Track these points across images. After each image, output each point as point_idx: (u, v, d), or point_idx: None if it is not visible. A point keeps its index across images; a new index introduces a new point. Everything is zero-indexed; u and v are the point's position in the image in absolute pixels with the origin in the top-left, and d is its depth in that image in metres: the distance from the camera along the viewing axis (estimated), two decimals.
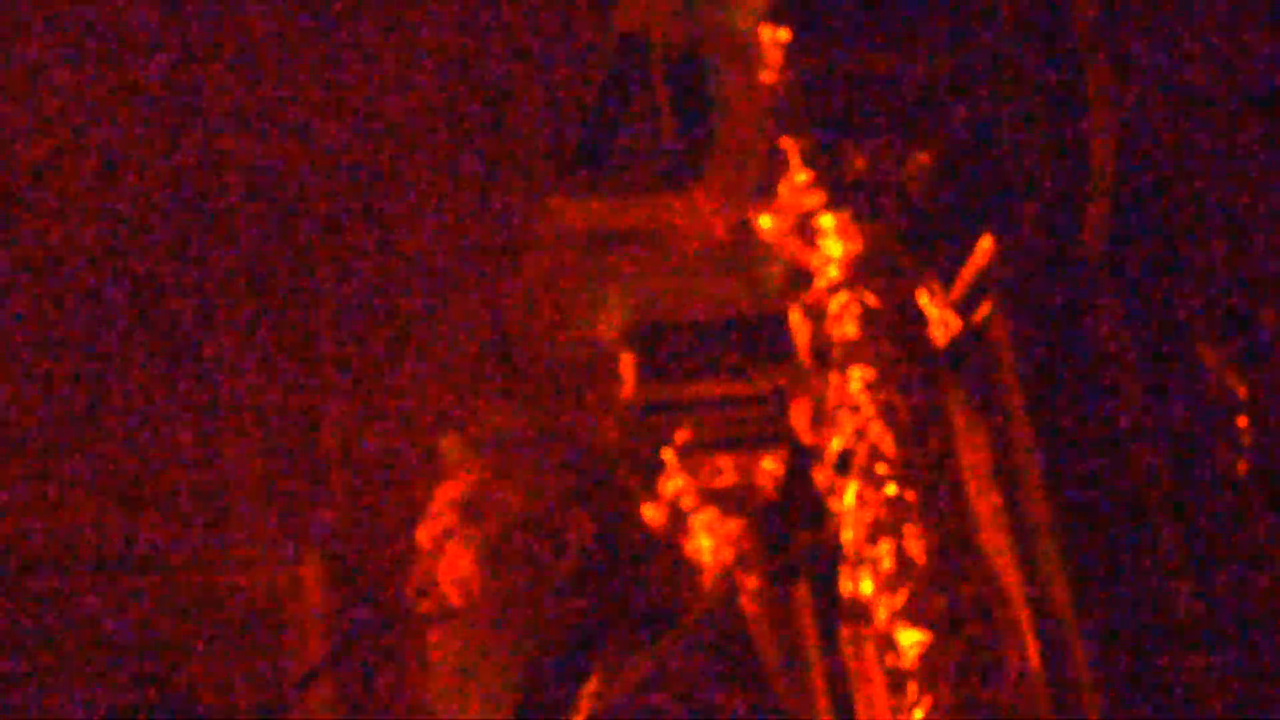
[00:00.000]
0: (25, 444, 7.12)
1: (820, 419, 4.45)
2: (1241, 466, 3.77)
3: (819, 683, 5.07)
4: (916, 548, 4.02)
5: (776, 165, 4.37)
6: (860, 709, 4.83)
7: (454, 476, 2.38)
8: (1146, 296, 4.03)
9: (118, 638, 7.08)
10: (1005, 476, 4.23)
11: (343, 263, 7.38)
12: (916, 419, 4.14)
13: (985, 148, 4.32)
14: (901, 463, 4.09)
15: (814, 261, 4.33)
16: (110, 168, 7.22)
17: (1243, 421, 3.78)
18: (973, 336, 4.29)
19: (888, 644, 4.03)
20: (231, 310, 7.32)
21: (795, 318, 4.47)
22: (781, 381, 4.99)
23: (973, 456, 4.27)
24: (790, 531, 5.25)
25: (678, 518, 5.29)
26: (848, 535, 4.18)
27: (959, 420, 4.29)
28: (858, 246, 4.26)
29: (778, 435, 5.10)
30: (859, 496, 4.14)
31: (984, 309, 4.28)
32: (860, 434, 4.16)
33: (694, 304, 5.17)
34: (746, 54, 4.40)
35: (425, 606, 2.35)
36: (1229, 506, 3.83)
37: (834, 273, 4.28)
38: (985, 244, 4.25)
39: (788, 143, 4.33)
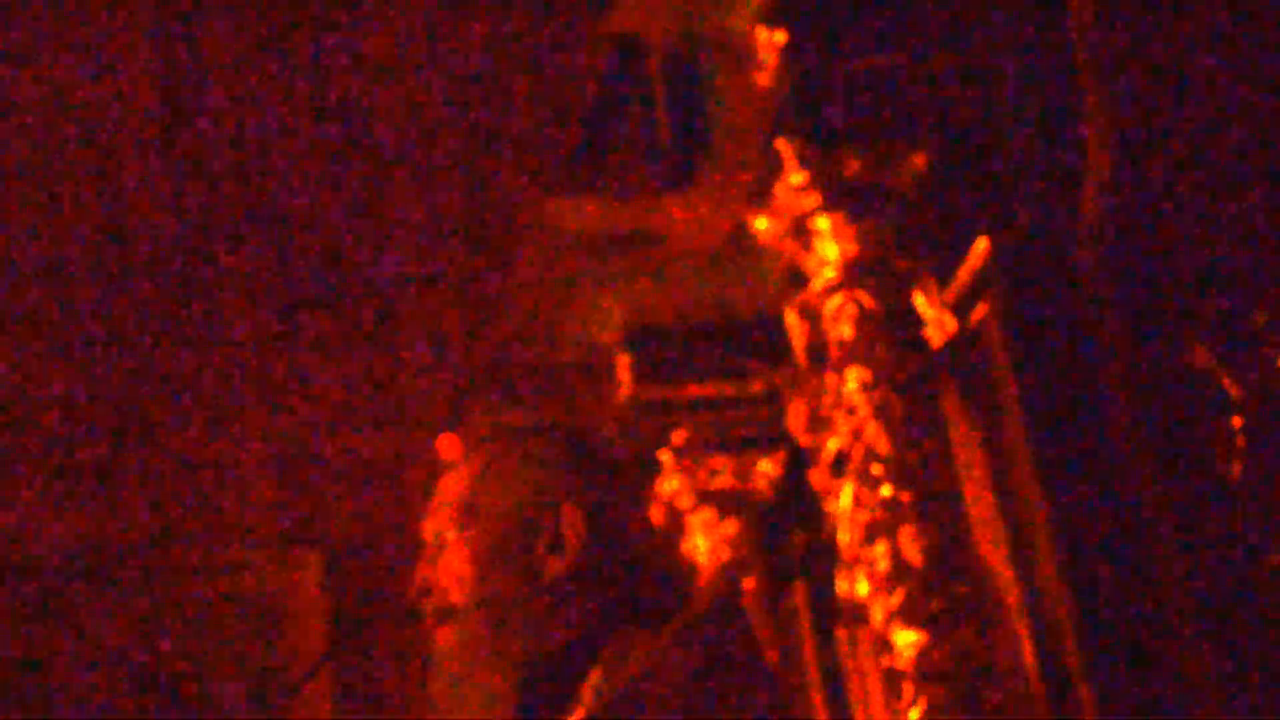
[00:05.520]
0: (25, 444, 7.13)
1: (816, 420, 4.46)
2: (1236, 467, 3.78)
3: (815, 683, 5.07)
4: (912, 549, 4.02)
5: (772, 167, 4.38)
6: (856, 709, 4.84)
7: (451, 475, 2.39)
8: (1141, 297, 4.04)
9: (117, 637, 7.09)
10: (1000, 477, 4.23)
11: (341, 264, 7.39)
12: (912, 420, 4.15)
13: (981, 149, 4.33)
14: (897, 464, 4.10)
15: (810, 263, 4.34)
16: (112, 169, 7.23)
17: (1237, 422, 3.78)
18: (968, 338, 4.30)
19: (884, 644, 4.04)
20: (230, 311, 7.33)
21: (791, 319, 4.48)
22: (778, 382, 5.00)
23: (968, 457, 4.28)
24: (787, 532, 5.25)
25: (675, 518, 5.29)
26: (844, 536, 4.19)
27: (955, 421, 4.30)
28: (854, 248, 4.27)
29: (774, 436, 5.11)
30: (855, 497, 4.15)
31: (979, 310, 4.29)
32: (856, 435, 4.16)
33: (691, 305, 5.17)
34: (742, 56, 4.41)
35: (425, 605, 2.36)
36: (1223, 507, 3.84)
37: (830, 274, 4.29)
38: (981, 245, 4.26)
39: (783, 144, 4.34)
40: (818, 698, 5.03)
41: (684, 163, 5.07)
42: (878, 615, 4.04)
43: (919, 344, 4.25)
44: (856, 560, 4.12)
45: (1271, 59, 3.98)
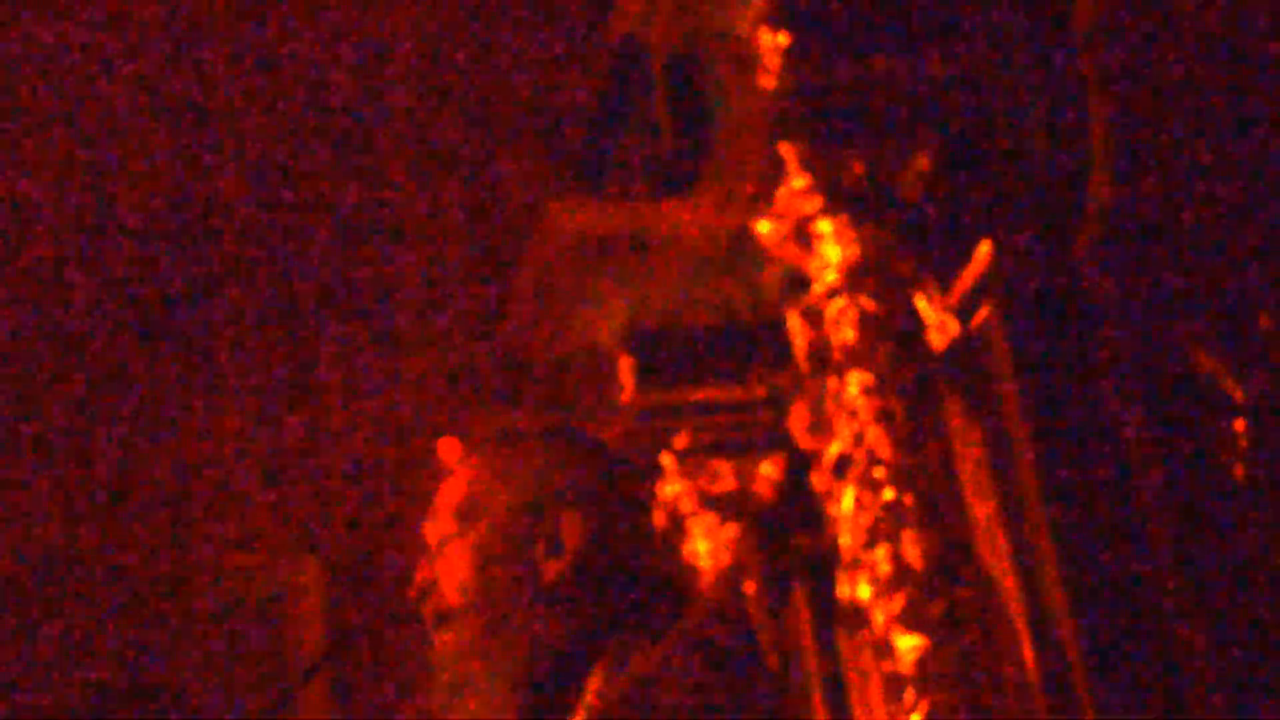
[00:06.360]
0: (24, 447, 7.12)
1: (818, 424, 4.45)
2: (1239, 471, 3.77)
3: (816, 688, 5.07)
4: (914, 553, 4.02)
5: (775, 170, 4.37)
6: (857, 714, 4.83)
7: (452, 478, 2.39)
8: (1144, 301, 4.04)
9: (116, 642, 7.08)
10: (1003, 481, 4.23)
11: (342, 266, 7.39)
12: (914, 424, 4.14)
13: (984, 152, 4.33)
14: (899, 468, 4.09)
15: (812, 266, 4.33)
16: (109, 170, 7.23)
17: (1240, 426, 3.78)
18: (971, 341, 4.29)
19: (885, 649, 4.03)
20: (230, 313, 7.33)
21: (793, 323, 4.47)
22: (780, 386, 5.00)
23: (970, 461, 4.27)
24: (788, 536, 5.24)
25: (676, 522, 5.28)
26: (845, 540, 4.18)
27: (957, 425, 4.29)
28: (856, 251, 4.26)
29: (776, 440, 5.10)
30: (856, 501, 4.14)
31: (982, 314, 4.28)
32: (858, 439, 4.16)
33: (692, 309, 5.17)
34: (745, 58, 4.40)
35: (424, 608, 2.36)
36: (1226, 511, 3.84)
37: (832, 278, 4.28)
38: (984, 249, 4.26)
39: (786, 148, 4.32)
40: (818, 702, 5.02)
41: (686, 166, 5.06)
42: (879, 619, 4.03)
43: (921, 348, 4.25)
44: (858, 564, 4.11)
45: (1275, 62, 3.97)
